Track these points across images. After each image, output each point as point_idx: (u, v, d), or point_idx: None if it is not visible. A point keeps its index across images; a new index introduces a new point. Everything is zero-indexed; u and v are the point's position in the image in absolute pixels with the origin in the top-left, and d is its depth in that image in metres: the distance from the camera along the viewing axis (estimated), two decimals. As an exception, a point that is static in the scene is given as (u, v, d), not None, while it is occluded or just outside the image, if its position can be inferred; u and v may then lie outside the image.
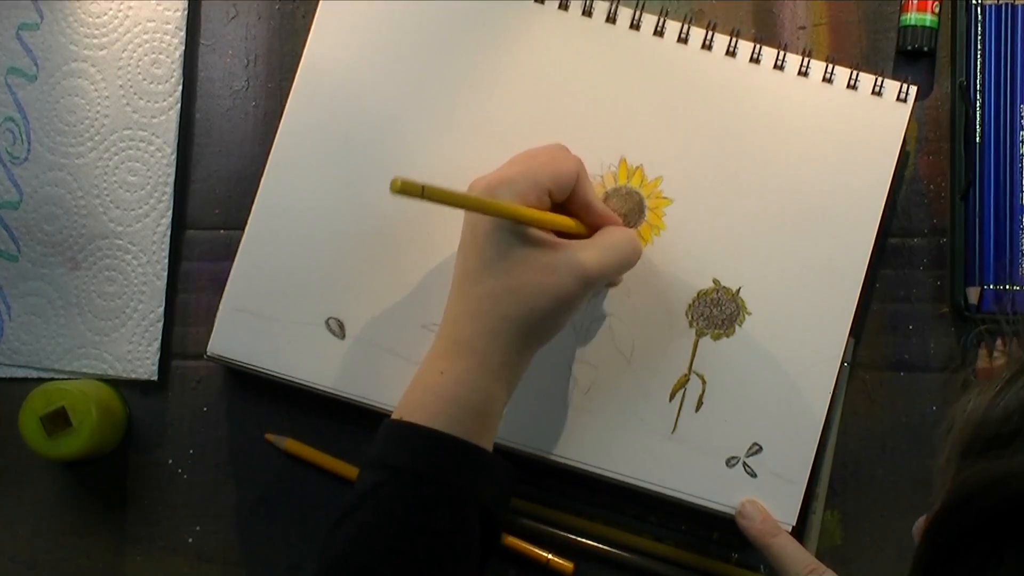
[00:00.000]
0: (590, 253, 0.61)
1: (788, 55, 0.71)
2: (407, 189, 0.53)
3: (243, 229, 0.71)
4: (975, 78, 0.73)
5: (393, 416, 0.60)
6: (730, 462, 0.69)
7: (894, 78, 0.71)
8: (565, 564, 0.71)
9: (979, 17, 0.73)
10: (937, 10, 0.73)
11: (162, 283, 0.73)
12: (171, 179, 0.74)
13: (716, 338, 0.70)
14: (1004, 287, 0.72)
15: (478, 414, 0.60)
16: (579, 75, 0.71)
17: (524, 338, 0.61)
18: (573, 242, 0.62)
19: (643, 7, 0.72)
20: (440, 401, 0.59)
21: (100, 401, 0.70)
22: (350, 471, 0.71)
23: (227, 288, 0.71)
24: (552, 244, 0.61)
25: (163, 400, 0.74)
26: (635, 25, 0.72)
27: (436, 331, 0.69)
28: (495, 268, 0.60)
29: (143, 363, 0.73)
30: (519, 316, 0.60)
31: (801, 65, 0.71)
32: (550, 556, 0.71)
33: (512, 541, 0.71)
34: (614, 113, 0.71)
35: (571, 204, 0.63)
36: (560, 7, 0.72)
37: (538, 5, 0.72)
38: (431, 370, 0.61)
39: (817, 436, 0.69)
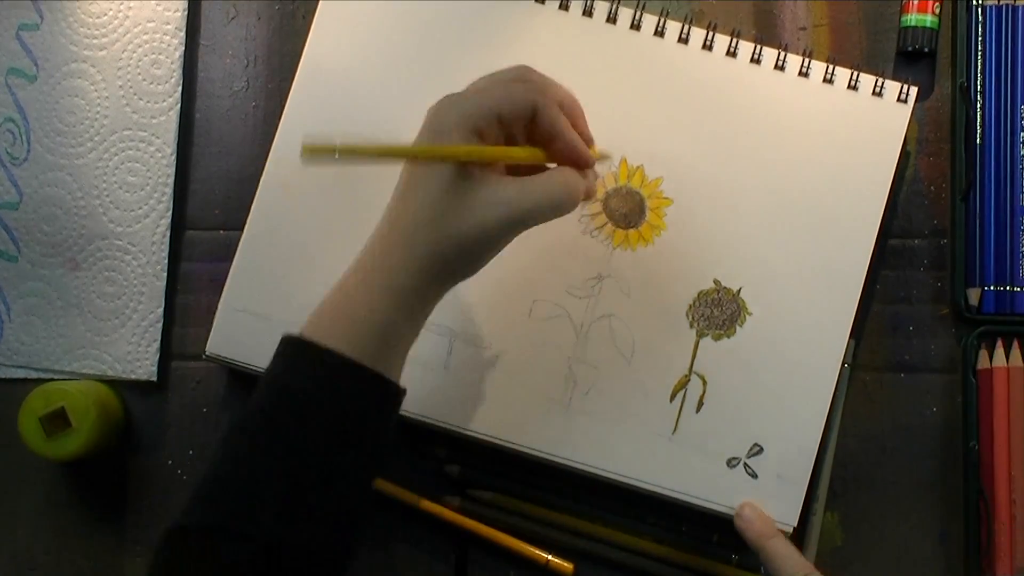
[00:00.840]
0: (520, 192, 0.59)
1: (789, 56, 0.71)
2: (317, 152, 0.51)
3: (242, 229, 0.71)
4: (976, 79, 0.73)
5: (297, 332, 0.58)
6: (731, 463, 0.69)
7: (895, 79, 0.71)
8: (565, 565, 0.71)
9: (980, 18, 0.73)
10: (938, 11, 0.73)
11: (162, 283, 0.73)
12: (171, 180, 0.74)
13: (717, 339, 0.70)
14: (1005, 288, 0.72)
15: (378, 338, 0.57)
16: (579, 75, 0.71)
17: (438, 268, 0.58)
18: (506, 179, 0.59)
19: (644, 7, 0.72)
20: (342, 320, 0.58)
21: (99, 401, 0.70)
22: (350, 472, 0.71)
23: (226, 288, 0.71)
24: (483, 178, 0.58)
25: (163, 400, 0.74)
26: (636, 25, 0.72)
27: (436, 331, 0.69)
28: (421, 194, 0.58)
29: (143, 363, 0.73)
30: (436, 244, 0.58)
31: (802, 66, 0.71)
32: (550, 557, 0.71)
33: (512, 542, 0.71)
34: (614, 113, 0.71)
35: (536, 134, 0.60)
36: (561, 7, 0.72)
37: (539, 5, 0.72)
38: (339, 288, 0.59)
39: (818, 437, 0.69)
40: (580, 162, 0.61)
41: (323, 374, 0.57)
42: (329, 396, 0.56)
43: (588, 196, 0.63)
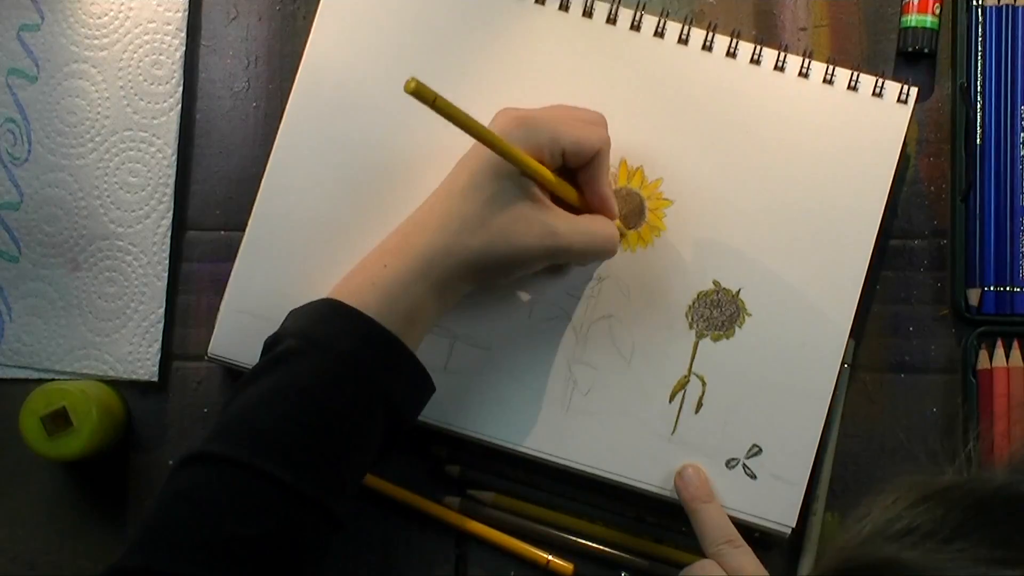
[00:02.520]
0: (569, 227, 0.63)
1: (789, 56, 0.71)
2: (420, 92, 0.53)
3: (244, 230, 0.71)
4: (976, 80, 0.73)
5: (328, 295, 0.62)
6: (730, 464, 0.69)
7: (895, 79, 0.71)
8: (565, 565, 0.71)
9: (980, 19, 0.73)
10: (938, 11, 0.73)
11: (162, 284, 0.73)
12: (172, 180, 0.74)
13: (716, 339, 0.70)
14: (1005, 288, 0.72)
15: (407, 316, 0.61)
16: (579, 76, 0.71)
17: (471, 269, 0.62)
18: (559, 210, 0.64)
19: (644, 8, 0.72)
20: (376, 292, 0.61)
21: (100, 401, 0.70)
22: (350, 472, 0.71)
23: (228, 289, 0.71)
24: (539, 201, 0.62)
25: (163, 401, 0.74)
26: (635, 26, 0.72)
27: (436, 332, 0.69)
28: (478, 196, 0.62)
29: (144, 364, 0.73)
30: (477, 248, 0.61)
31: (802, 66, 0.71)
32: (550, 558, 0.71)
33: (512, 542, 0.71)
34: (614, 114, 0.71)
35: (581, 176, 0.65)
36: (561, 8, 0.72)
37: (539, 6, 0.72)
38: (376, 262, 0.62)
39: (817, 438, 0.69)
40: (610, 215, 0.66)
41: (351, 331, 0.60)
42: (362, 358, 0.59)
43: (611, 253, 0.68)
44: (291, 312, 0.63)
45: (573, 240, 0.63)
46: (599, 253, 0.67)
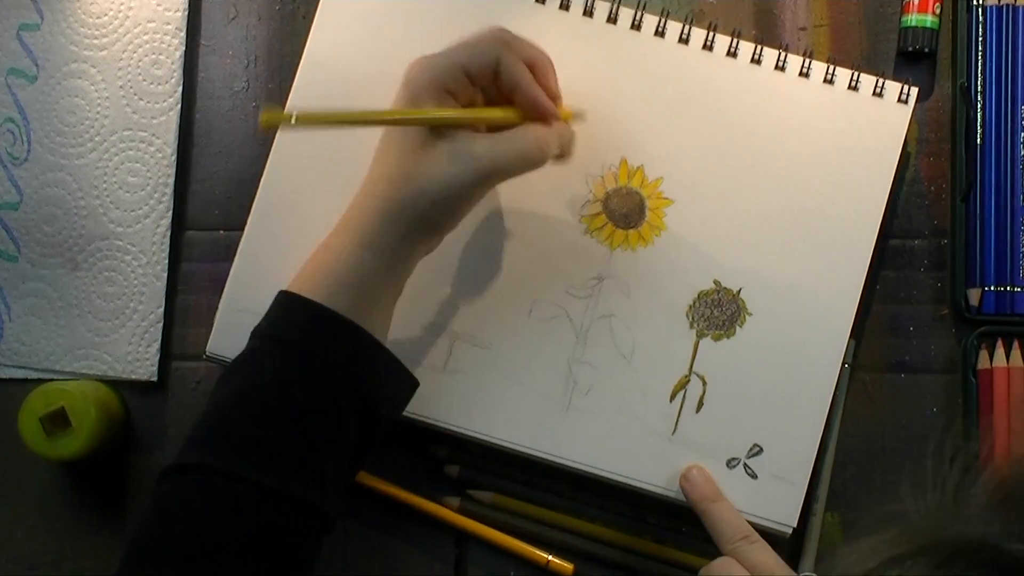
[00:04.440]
0: (489, 146, 0.61)
1: (789, 56, 0.71)
2: (271, 121, 0.53)
3: (243, 230, 0.71)
4: (976, 79, 0.73)
5: (284, 288, 0.61)
6: (730, 463, 0.69)
7: (895, 79, 0.71)
8: (565, 565, 0.71)
9: (980, 18, 0.73)
10: (938, 11, 0.73)
11: (162, 284, 0.73)
12: (171, 180, 0.74)
13: (717, 339, 0.70)
14: (1005, 288, 0.72)
15: (358, 294, 0.60)
16: (580, 75, 0.71)
17: (413, 223, 0.61)
18: (477, 134, 0.62)
19: (644, 7, 0.72)
20: (321, 274, 0.60)
21: (100, 401, 0.70)
22: (350, 472, 0.71)
23: (227, 289, 0.71)
24: (453, 135, 0.61)
25: (163, 401, 0.74)
26: (636, 25, 0.72)
27: (435, 332, 0.69)
28: (396, 152, 0.61)
29: (143, 364, 0.73)
30: (410, 200, 0.60)
31: (802, 66, 0.71)
32: (550, 558, 0.71)
33: (512, 542, 0.71)
34: (615, 113, 0.71)
35: (501, 88, 0.63)
36: (561, 7, 0.72)
37: (539, 5, 0.72)
38: (322, 246, 0.62)
39: (818, 438, 0.69)
40: (543, 114, 0.63)
41: (302, 322, 0.59)
42: (317, 347, 0.58)
43: (563, 154, 0.65)
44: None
45: (500, 155, 0.61)
46: (532, 159, 0.63)
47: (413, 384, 0.64)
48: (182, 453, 0.58)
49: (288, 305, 0.60)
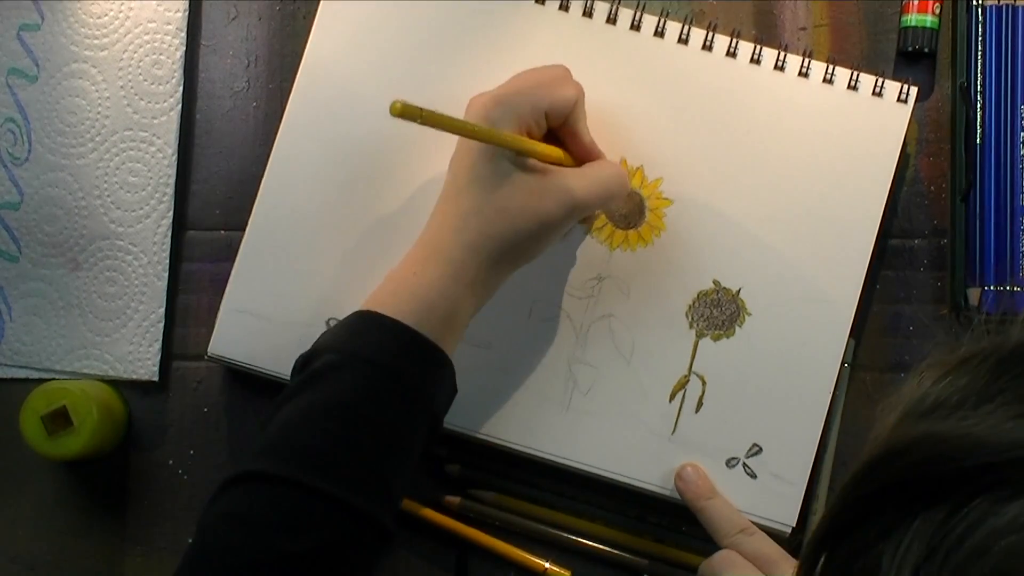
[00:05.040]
0: (578, 182, 0.63)
1: (789, 56, 0.71)
2: (407, 112, 0.54)
3: (244, 230, 0.71)
4: (976, 79, 0.73)
5: (360, 308, 0.61)
6: (730, 463, 0.69)
7: (895, 79, 0.71)
8: (562, 572, 0.71)
9: (980, 18, 0.73)
10: (938, 11, 0.73)
11: (163, 284, 0.73)
12: (172, 180, 0.74)
13: (716, 339, 0.70)
14: (1005, 288, 0.72)
15: (445, 321, 0.61)
16: (580, 76, 0.71)
17: (502, 256, 0.62)
18: (563, 169, 0.64)
19: (644, 8, 0.72)
20: (412, 299, 0.60)
21: (101, 401, 0.70)
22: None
23: (228, 289, 0.71)
24: (543, 170, 0.63)
25: (164, 400, 0.74)
26: (635, 26, 0.72)
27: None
28: (485, 186, 0.62)
29: (144, 364, 0.73)
30: (501, 235, 0.61)
31: (802, 66, 0.71)
32: (548, 565, 0.71)
33: (509, 550, 0.71)
34: (615, 114, 0.71)
35: (561, 131, 0.65)
36: (561, 8, 0.72)
37: (539, 6, 0.72)
38: (406, 271, 0.62)
39: (817, 437, 0.69)
40: (596, 158, 0.66)
41: (392, 343, 0.59)
42: (403, 368, 0.59)
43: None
44: (325, 331, 0.62)
45: (589, 191, 0.64)
46: (616, 193, 0.66)
47: (455, 392, 0.64)
48: (252, 461, 0.57)
49: (375, 323, 0.60)
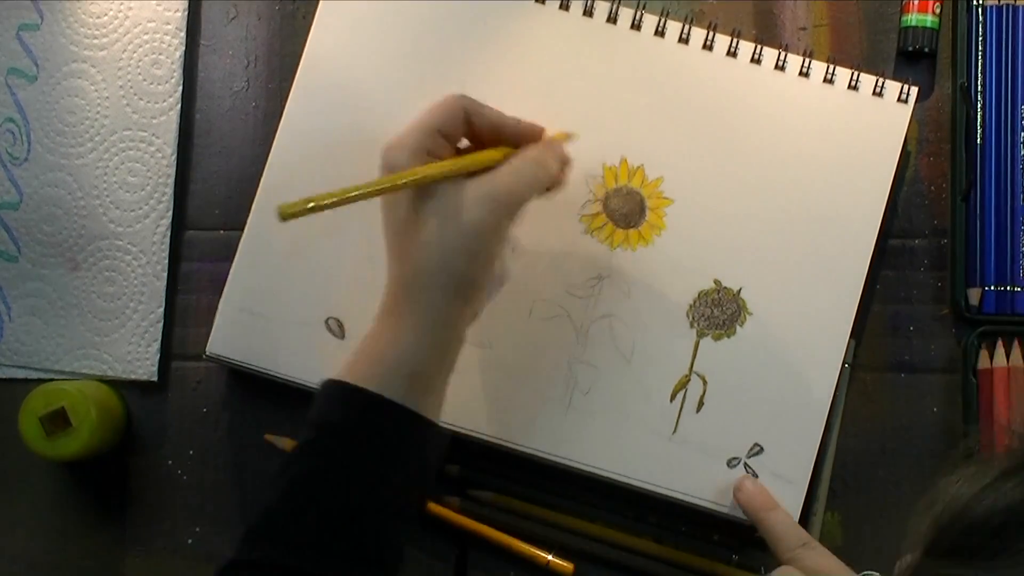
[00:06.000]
0: (497, 178, 0.60)
1: (789, 56, 0.71)
2: (293, 211, 0.53)
3: (243, 229, 0.71)
4: (976, 79, 0.73)
5: (336, 376, 0.60)
6: (731, 463, 0.69)
7: (895, 79, 0.71)
8: (565, 565, 0.71)
9: (980, 18, 0.73)
10: (938, 11, 0.73)
11: (162, 284, 0.73)
12: (171, 180, 0.74)
13: (717, 339, 0.70)
14: (1005, 288, 0.72)
15: (408, 377, 0.58)
16: (580, 75, 0.71)
17: (451, 290, 0.59)
18: (473, 178, 0.60)
19: (644, 7, 0.72)
20: (371, 364, 0.59)
21: (100, 401, 0.70)
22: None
23: (227, 288, 0.71)
24: (450, 187, 0.59)
25: (163, 401, 0.74)
26: (636, 25, 0.72)
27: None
28: (406, 229, 0.59)
29: (143, 364, 0.73)
30: (440, 268, 0.58)
31: (802, 66, 0.71)
32: (550, 557, 0.71)
33: (512, 542, 0.71)
34: (615, 113, 0.71)
35: (482, 136, 0.62)
36: (561, 7, 0.72)
37: (539, 5, 0.72)
38: (367, 335, 0.60)
39: (818, 437, 0.69)
40: (533, 136, 0.63)
41: (356, 410, 0.58)
42: (361, 431, 0.57)
43: (565, 164, 0.65)
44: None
45: (510, 182, 0.60)
46: (537, 175, 0.62)
47: (448, 439, 0.62)
48: (240, 550, 0.57)
49: (339, 395, 0.59)
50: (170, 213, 0.73)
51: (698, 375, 0.70)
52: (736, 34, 0.71)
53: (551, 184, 0.64)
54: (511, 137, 0.62)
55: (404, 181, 0.58)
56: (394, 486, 0.58)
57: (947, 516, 0.40)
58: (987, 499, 0.40)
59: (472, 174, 0.60)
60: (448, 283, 0.59)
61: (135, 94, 0.74)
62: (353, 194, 0.56)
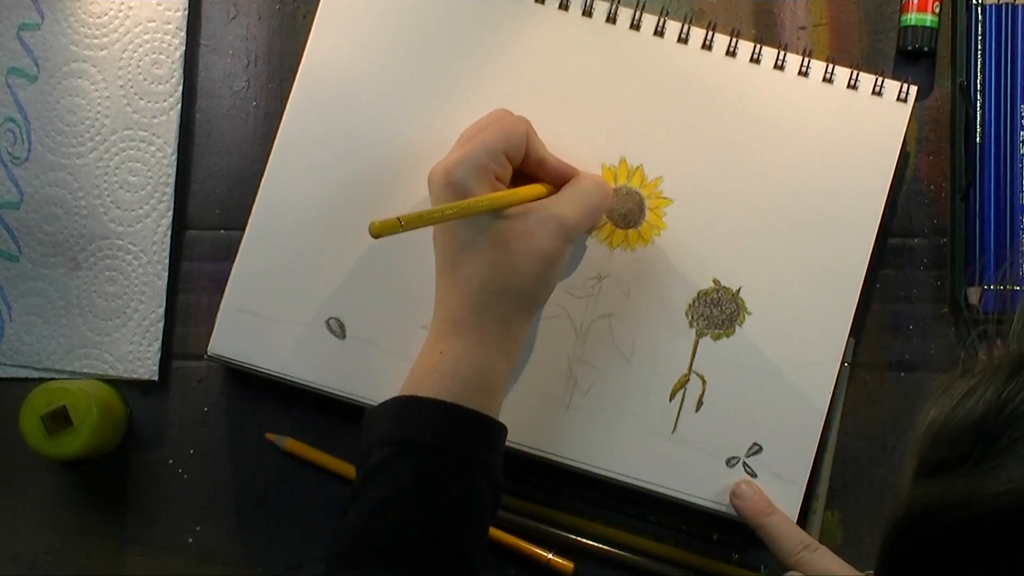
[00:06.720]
0: (562, 207, 0.63)
1: (788, 55, 0.71)
2: (386, 229, 0.55)
3: (244, 229, 0.71)
4: (975, 78, 0.73)
5: (399, 394, 0.61)
6: (730, 462, 0.69)
7: (894, 78, 0.71)
8: (565, 564, 0.71)
9: (979, 17, 0.73)
10: (937, 10, 0.73)
11: (163, 283, 0.73)
12: (172, 179, 0.74)
13: (716, 338, 0.70)
14: (1005, 287, 0.72)
15: (481, 389, 0.61)
16: (579, 75, 0.71)
17: (517, 307, 0.62)
18: (543, 202, 0.64)
19: (643, 7, 0.72)
20: (443, 379, 0.60)
21: (101, 401, 0.70)
22: (350, 471, 0.71)
23: (227, 288, 0.71)
24: (523, 210, 0.62)
25: (164, 400, 0.74)
26: (635, 25, 0.72)
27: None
28: (473, 248, 0.62)
29: (144, 363, 0.73)
30: (505, 287, 0.61)
31: (801, 65, 0.71)
32: (551, 556, 0.71)
33: (513, 541, 0.71)
34: (615, 113, 0.71)
35: (527, 166, 0.65)
36: (560, 7, 0.72)
37: (538, 5, 0.72)
38: (431, 352, 0.62)
39: (817, 436, 0.69)
40: (570, 174, 0.67)
41: (438, 423, 0.59)
42: (456, 444, 0.59)
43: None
44: (366, 417, 0.62)
45: (574, 211, 0.64)
46: (600, 203, 0.67)
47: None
48: (330, 569, 0.57)
49: (417, 407, 0.60)
50: (171, 213, 0.74)
51: (697, 374, 0.70)
52: (735, 33, 0.71)
53: (608, 203, 0.68)
54: (550, 171, 0.66)
55: (486, 205, 0.61)
56: (482, 491, 0.59)
57: (929, 435, 0.41)
58: (964, 406, 0.40)
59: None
60: (515, 303, 0.62)
61: (135, 94, 0.74)
62: (437, 215, 0.59)
